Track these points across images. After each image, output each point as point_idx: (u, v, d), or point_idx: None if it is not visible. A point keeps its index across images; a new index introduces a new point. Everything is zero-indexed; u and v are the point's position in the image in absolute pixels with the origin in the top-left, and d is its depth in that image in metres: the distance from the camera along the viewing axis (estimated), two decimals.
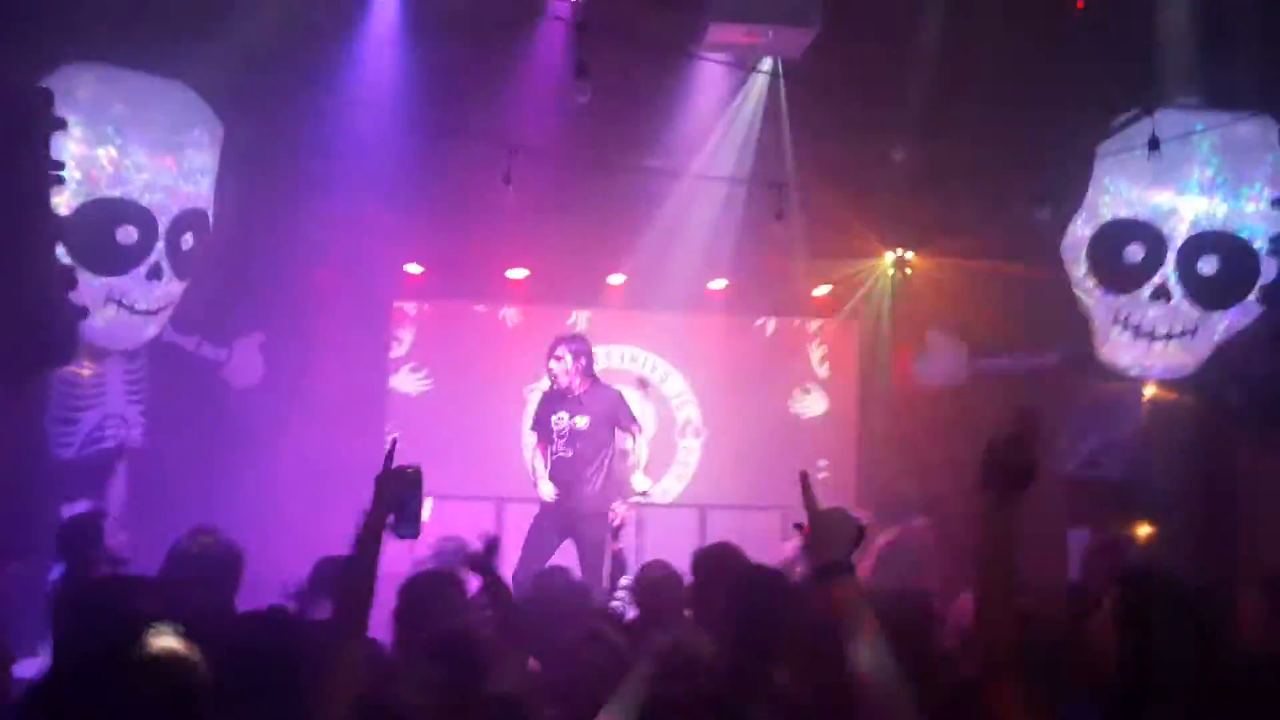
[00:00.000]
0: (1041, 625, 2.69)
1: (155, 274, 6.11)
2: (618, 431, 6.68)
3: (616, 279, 8.34)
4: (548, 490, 6.50)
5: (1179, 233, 6.58)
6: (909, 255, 8.20)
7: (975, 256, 7.56)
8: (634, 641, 3.28)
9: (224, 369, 7.16)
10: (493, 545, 3.76)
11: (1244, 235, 6.57)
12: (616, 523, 5.09)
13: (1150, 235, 6.63)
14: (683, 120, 7.41)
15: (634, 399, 7.23)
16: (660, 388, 8.38)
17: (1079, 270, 6.91)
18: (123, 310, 6.05)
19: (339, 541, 2.76)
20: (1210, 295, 6.60)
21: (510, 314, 8.47)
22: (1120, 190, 6.74)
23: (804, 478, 2.26)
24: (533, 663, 3.51)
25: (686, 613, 3.87)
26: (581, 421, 6.52)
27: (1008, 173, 6.86)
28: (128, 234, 5.97)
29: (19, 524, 5.36)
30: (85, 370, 6.12)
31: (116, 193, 5.91)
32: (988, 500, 2.11)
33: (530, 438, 6.86)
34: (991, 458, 2.12)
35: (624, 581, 4.70)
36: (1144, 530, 6.63)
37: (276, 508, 6.44)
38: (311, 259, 7.52)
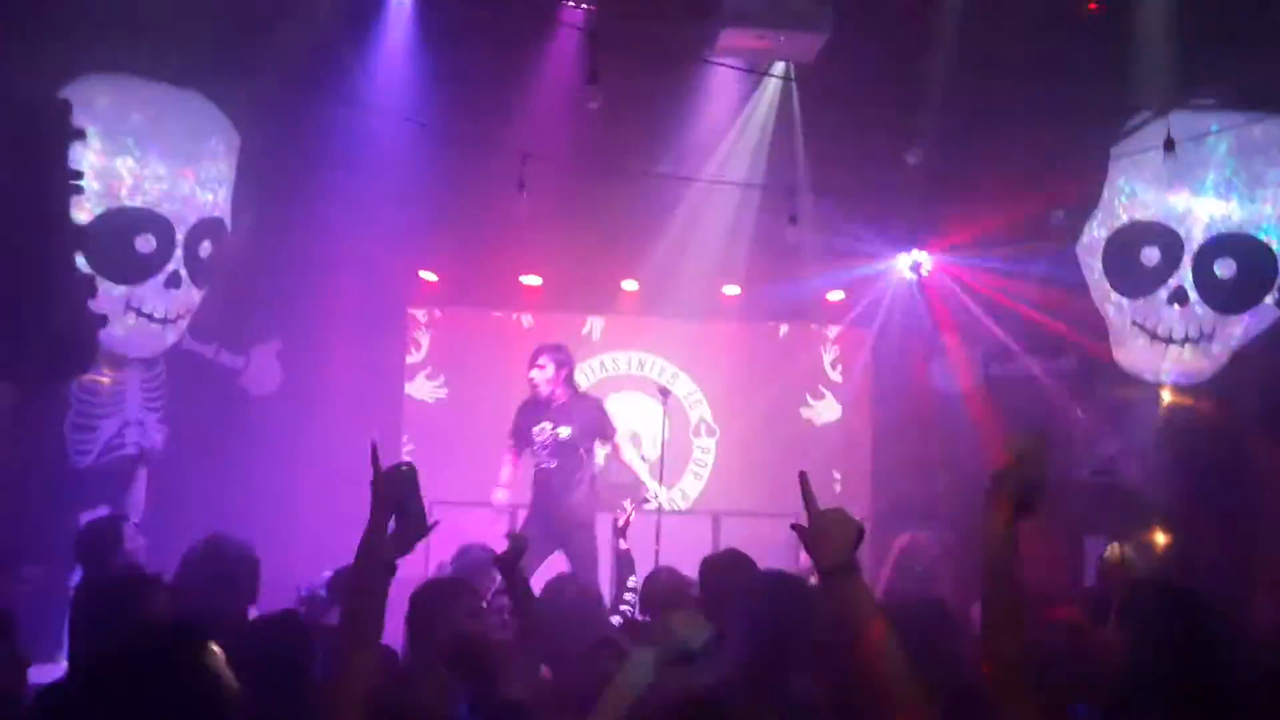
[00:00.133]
0: (1050, 633, 2.69)
1: (173, 282, 6.16)
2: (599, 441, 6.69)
3: (630, 285, 8.36)
4: (502, 496, 6.58)
5: (1195, 235, 6.54)
6: (923, 259, 8.18)
7: (990, 260, 7.53)
8: None
9: (242, 376, 7.21)
10: (519, 545, 3.75)
11: (1261, 237, 6.52)
12: (622, 521, 5.06)
13: (1166, 238, 6.60)
14: (695, 126, 7.41)
15: (654, 408, 7.23)
16: (675, 389, 8.38)
17: (1095, 273, 6.88)
18: (141, 318, 6.10)
19: (356, 548, 2.78)
20: (1227, 298, 6.55)
21: (525, 320, 8.49)
22: (1136, 193, 6.71)
23: (803, 478, 2.25)
24: (545, 670, 3.52)
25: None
26: (565, 431, 6.50)
27: (1022, 176, 6.83)
28: (146, 243, 6.02)
29: (38, 531, 5.41)
30: (104, 378, 6.18)
31: (135, 202, 5.97)
32: (995, 519, 2.10)
33: (509, 463, 6.78)
34: (1000, 478, 2.11)
35: (631, 582, 4.68)
36: (1161, 536, 6.59)
37: (293, 514, 6.48)
38: (327, 267, 7.56)
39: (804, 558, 5.57)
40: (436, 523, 2.57)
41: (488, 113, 6.78)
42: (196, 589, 3.70)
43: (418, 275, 8.19)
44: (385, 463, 2.68)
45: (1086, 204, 6.84)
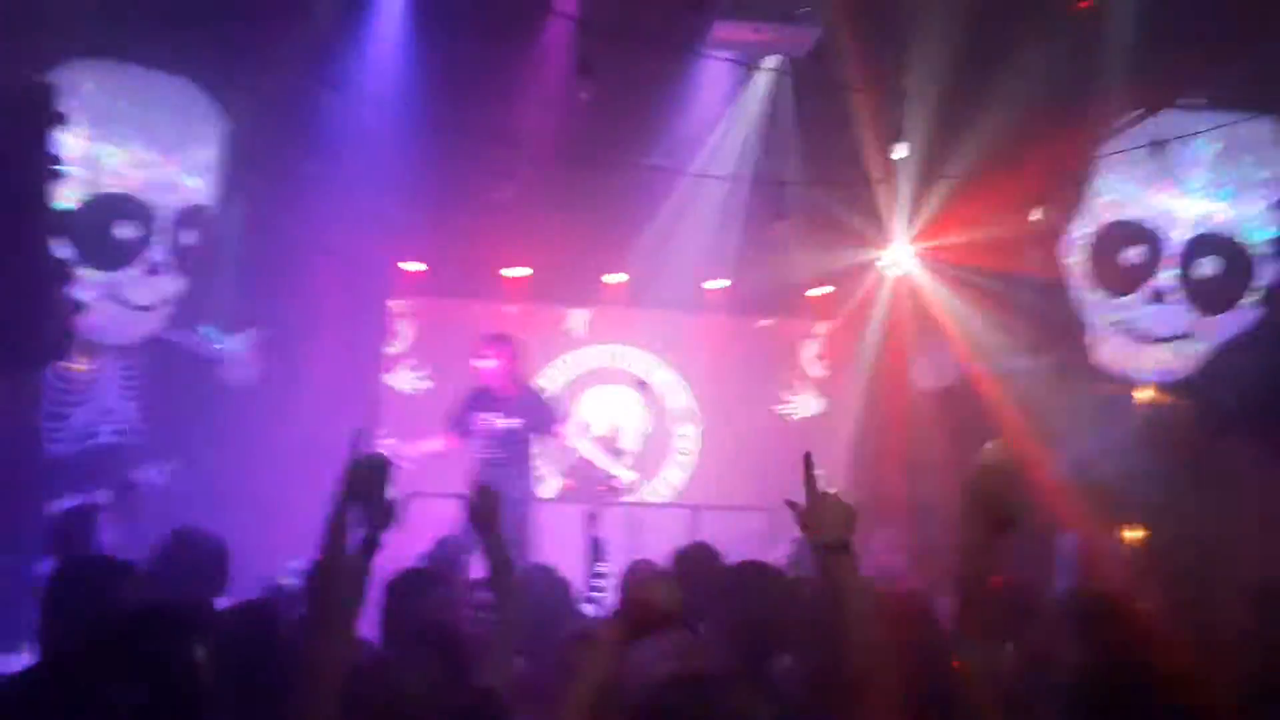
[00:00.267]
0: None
1: (154, 270, 6.13)
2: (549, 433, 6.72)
3: (616, 278, 8.35)
4: (430, 446, 6.61)
5: (1178, 235, 6.56)
6: (908, 256, 8.18)
7: (974, 258, 7.54)
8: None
9: (221, 366, 7.18)
10: (490, 499, 3.39)
11: (1243, 238, 6.55)
12: (595, 509, 5.07)
13: (1149, 237, 6.62)
14: (685, 118, 7.40)
15: (634, 400, 7.23)
16: (653, 381, 8.38)
17: (1077, 271, 6.90)
18: (120, 306, 6.06)
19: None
20: (1208, 298, 6.58)
21: (510, 312, 8.48)
22: (1120, 191, 6.72)
23: (807, 459, 2.28)
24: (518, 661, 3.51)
25: None
26: (510, 423, 6.53)
27: (1008, 173, 6.84)
28: (127, 229, 5.98)
29: (8, 519, 5.37)
30: (80, 366, 6.14)
31: (118, 188, 5.93)
32: (972, 533, 2.12)
33: (442, 441, 6.78)
34: (971, 493, 2.14)
35: (602, 568, 4.68)
36: (1134, 534, 6.63)
37: (271, 504, 6.44)
38: (311, 256, 7.53)
39: (779, 550, 5.61)
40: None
41: (477, 102, 6.75)
42: (166, 579, 3.70)
43: (401, 265, 8.16)
44: (378, 453, 2.67)
45: (1070, 202, 6.85)
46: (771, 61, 7.10)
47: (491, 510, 3.39)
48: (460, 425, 6.68)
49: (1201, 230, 6.55)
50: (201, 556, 3.90)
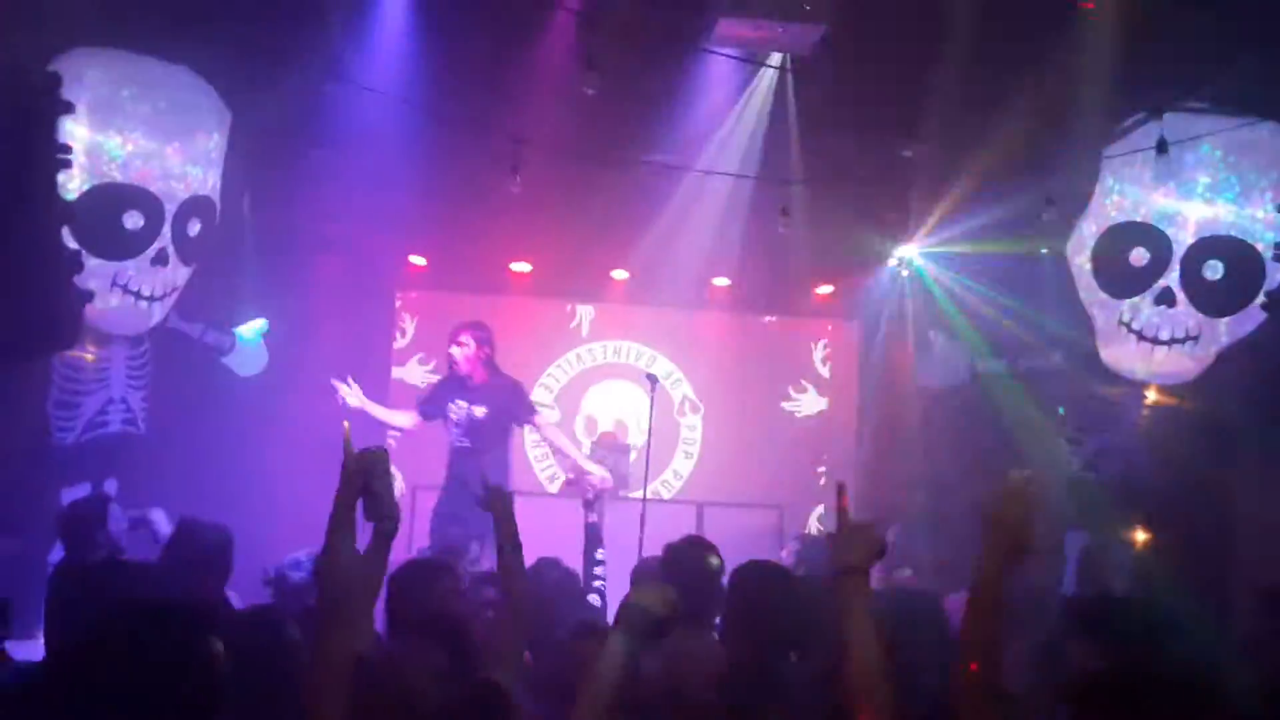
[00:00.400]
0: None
1: (161, 260, 6.12)
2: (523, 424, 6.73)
3: (620, 274, 8.35)
4: (403, 420, 6.62)
5: (1184, 237, 6.56)
6: (913, 255, 8.19)
7: (979, 257, 7.55)
8: None
9: (227, 356, 7.18)
10: (502, 495, 3.46)
11: (1250, 240, 6.55)
12: (591, 494, 5.05)
13: (1156, 239, 6.61)
14: (690, 115, 7.38)
15: (640, 396, 7.21)
16: (660, 377, 8.37)
17: (1083, 273, 6.90)
18: (127, 296, 6.06)
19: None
20: (1215, 301, 6.58)
21: (514, 307, 8.48)
22: (1126, 193, 6.72)
23: (840, 489, 2.38)
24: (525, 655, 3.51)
25: None
26: (480, 411, 6.49)
27: (1014, 174, 6.84)
28: (134, 219, 5.98)
29: (17, 506, 5.38)
30: (88, 355, 6.14)
31: (124, 178, 5.92)
32: (990, 562, 2.15)
33: (409, 417, 6.77)
34: (993, 526, 2.17)
35: (600, 555, 4.67)
36: (1140, 535, 6.63)
37: (278, 496, 6.46)
38: (316, 248, 7.54)
39: (786, 549, 5.62)
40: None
41: (482, 96, 6.74)
42: (173, 569, 3.72)
43: (407, 259, 8.16)
44: (375, 446, 2.68)
45: (1077, 203, 6.85)
46: (776, 58, 7.09)
47: (505, 504, 3.41)
48: (426, 408, 6.67)
49: (1207, 233, 6.54)
50: (207, 546, 3.92)
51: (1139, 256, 6.66)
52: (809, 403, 8.64)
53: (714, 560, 3.63)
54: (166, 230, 6.12)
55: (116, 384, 6.32)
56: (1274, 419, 6.24)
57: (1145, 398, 6.99)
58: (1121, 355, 6.82)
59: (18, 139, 5.19)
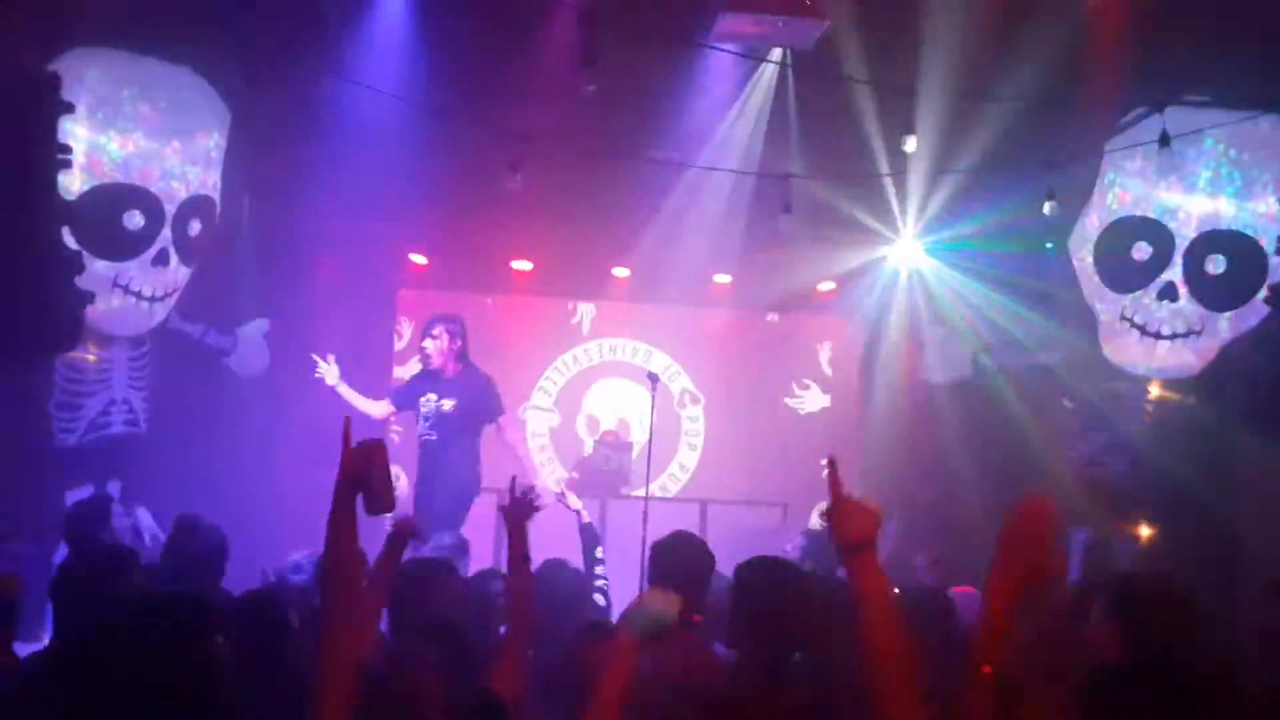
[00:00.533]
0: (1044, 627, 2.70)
1: (162, 260, 6.11)
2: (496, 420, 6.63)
3: (621, 272, 8.34)
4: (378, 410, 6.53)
5: (1187, 231, 6.56)
6: (915, 250, 8.17)
7: (982, 252, 7.54)
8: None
9: (229, 356, 7.17)
10: (524, 501, 3.52)
11: (1252, 235, 6.54)
12: (573, 505, 5.00)
13: (1158, 234, 6.61)
14: (690, 111, 7.37)
15: (641, 394, 7.19)
16: (661, 375, 8.36)
17: (1086, 267, 6.90)
18: (129, 296, 6.05)
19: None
20: (1217, 295, 6.58)
21: (515, 305, 8.47)
22: (1129, 187, 6.72)
23: (831, 462, 2.26)
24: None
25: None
26: (448, 404, 6.45)
27: (1016, 168, 6.83)
28: (134, 219, 5.97)
29: (22, 508, 5.37)
30: (90, 356, 6.13)
31: (124, 178, 5.91)
32: (1006, 583, 2.09)
33: (382, 406, 6.72)
34: (1008, 546, 2.10)
35: (599, 553, 4.65)
36: (1144, 530, 6.63)
37: (278, 495, 6.45)
38: (317, 247, 7.52)
39: (791, 544, 5.60)
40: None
41: (482, 93, 6.73)
42: (170, 566, 3.73)
43: (407, 257, 8.15)
44: (373, 439, 2.67)
45: (1079, 197, 6.84)
46: (777, 53, 7.08)
47: (522, 516, 3.45)
48: (398, 399, 6.65)
49: (1209, 227, 6.54)
50: (203, 545, 3.93)
51: (1141, 251, 6.66)
52: (812, 399, 8.63)
53: (703, 555, 3.61)
54: (167, 230, 6.11)
55: (118, 385, 6.31)
56: (1276, 413, 6.24)
57: (1148, 392, 6.99)
58: (1124, 350, 6.82)
59: (18, 140, 5.18)
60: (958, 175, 7.14)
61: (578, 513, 4.92)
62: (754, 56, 7.07)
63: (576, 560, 4.43)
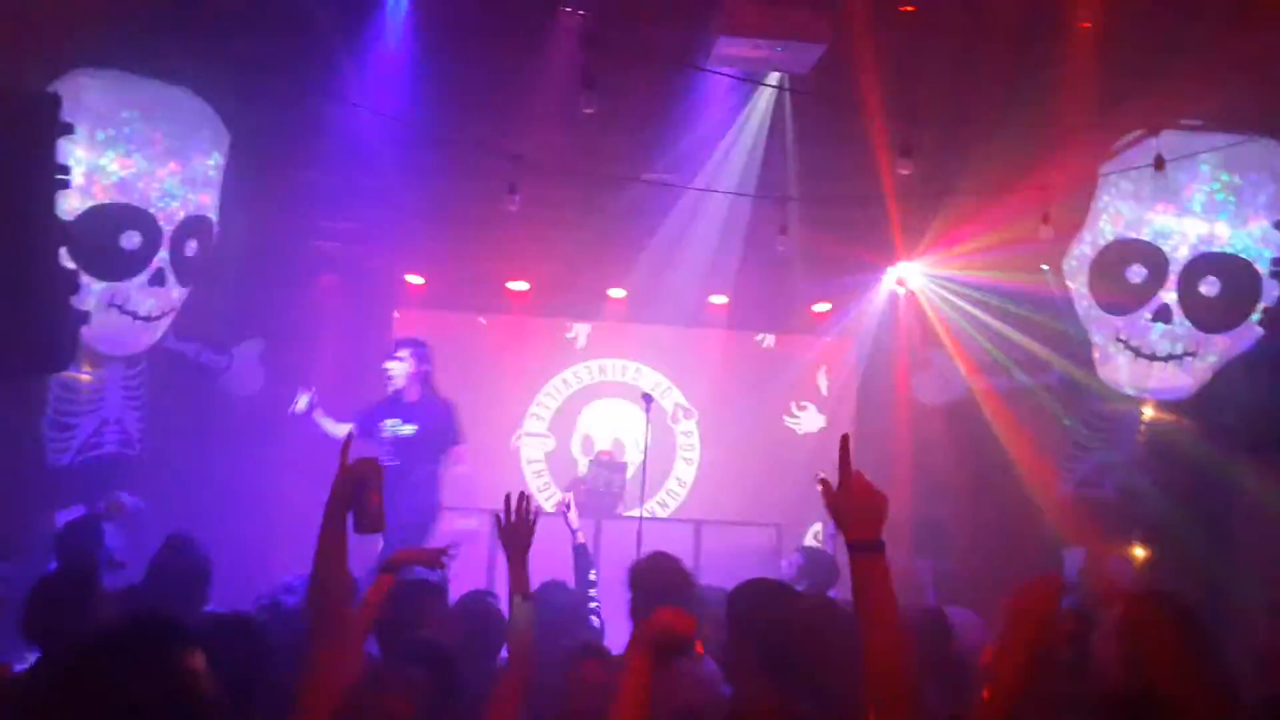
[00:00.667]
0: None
1: (158, 280, 6.12)
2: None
3: (618, 293, 8.35)
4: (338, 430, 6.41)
5: (1181, 254, 6.58)
6: (911, 272, 8.20)
7: (977, 274, 7.56)
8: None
9: (224, 376, 7.17)
10: (522, 525, 3.29)
11: (1246, 257, 6.56)
12: (574, 522, 4.96)
13: (1152, 256, 6.63)
14: (687, 134, 7.41)
15: (636, 414, 7.18)
16: (656, 396, 8.36)
17: (1081, 289, 6.91)
18: (124, 316, 6.05)
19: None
20: (1211, 317, 6.59)
21: (511, 325, 8.49)
22: (1123, 210, 6.74)
23: (844, 440, 2.25)
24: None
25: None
26: (408, 429, 6.40)
27: (1011, 191, 6.86)
28: (131, 240, 5.97)
29: (13, 529, 5.35)
30: (84, 375, 6.12)
31: (122, 198, 5.92)
32: (1003, 665, 2.09)
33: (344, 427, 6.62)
34: (1011, 623, 2.11)
35: (592, 576, 4.62)
36: (1139, 552, 6.62)
37: (275, 516, 6.44)
38: (313, 267, 7.53)
39: (786, 560, 5.58)
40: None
41: (480, 115, 6.76)
42: (154, 586, 3.73)
43: (403, 278, 8.16)
44: (368, 459, 2.67)
45: (1074, 220, 6.87)
46: (774, 77, 7.11)
47: (522, 540, 3.29)
48: (360, 423, 6.55)
49: (1204, 250, 6.56)
50: (185, 565, 3.92)
51: (1136, 273, 6.67)
52: (809, 420, 8.64)
53: (679, 575, 3.59)
54: (164, 251, 6.12)
55: (112, 405, 6.30)
56: (1271, 435, 6.24)
57: (1142, 414, 6.99)
58: (1118, 371, 6.83)
59: (16, 160, 5.18)
60: (953, 198, 7.16)
61: (574, 532, 4.90)
62: (752, 80, 7.11)
63: (568, 581, 4.42)
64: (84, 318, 5.79)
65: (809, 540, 7.84)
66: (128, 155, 5.93)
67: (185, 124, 6.20)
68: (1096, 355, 6.92)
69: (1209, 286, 6.56)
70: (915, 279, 8.18)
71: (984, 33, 6.42)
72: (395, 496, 6.18)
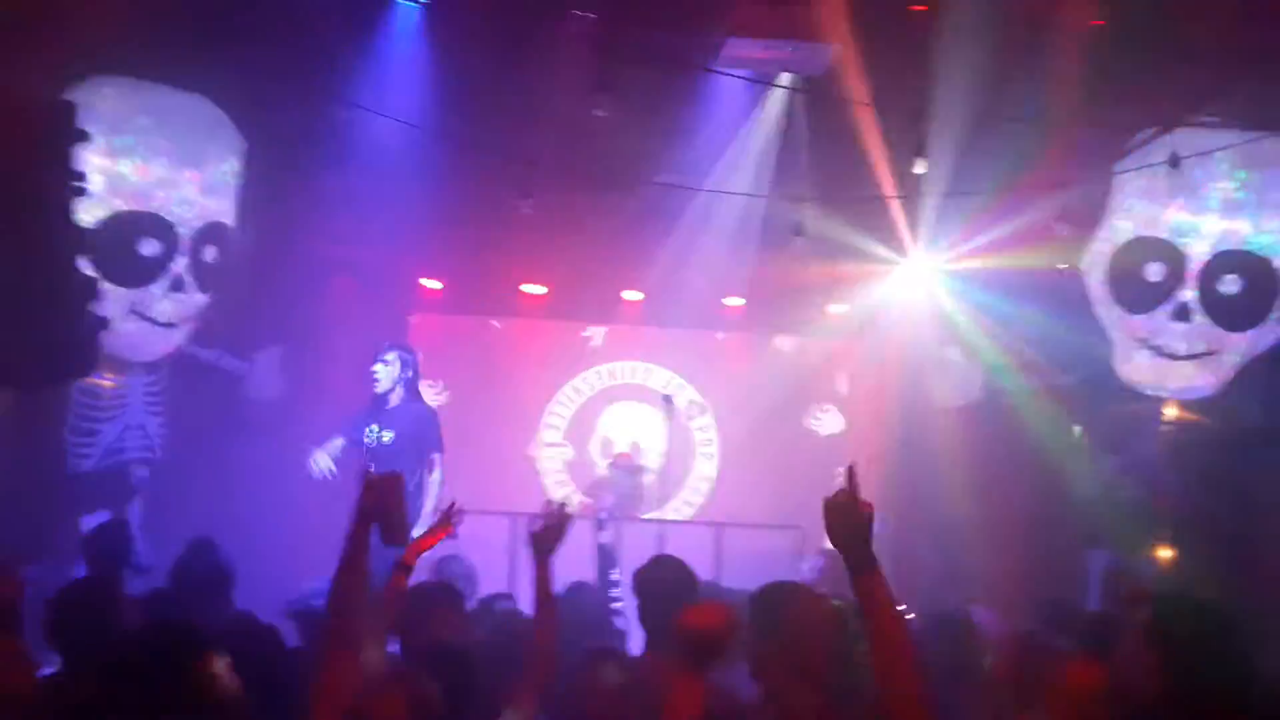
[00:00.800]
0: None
1: (177, 286, 6.15)
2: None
3: (633, 295, 8.35)
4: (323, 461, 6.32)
5: (1200, 252, 6.54)
6: (928, 273, 8.17)
7: (994, 274, 7.53)
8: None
9: (244, 382, 7.19)
10: (551, 530, 3.29)
11: (1266, 255, 6.53)
12: (603, 514, 4.96)
13: (1171, 254, 6.60)
14: (700, 136, 7.41)
15: (654, 417, 7.16)
16: (676, 398, 8.35)
17: (1099, 289, 6.88)
18: (144, 322, 6.09)
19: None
20: (1231, 315, 6.55)
21: (527, 329, 8.50)
22: (1140, 209, 6.71)
23: (851, 470, 2.32)
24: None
25: None
26: (387, 436, 6.34)
27: (1027, 190, 6.83)
28: (150, 246, 6.02)
29: (37, 533, 5.39)
30: (106, 382, 6.16)
31: (140, 205, 5.96)
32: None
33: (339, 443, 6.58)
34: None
35: (614, 575, 4.62)
36: (1163, 552, 6.58)
37: (294, 520, 6.45)
38: (331, 273, 7.56)
39: (808, 564, 5.56)
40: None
41: (494, 119, 6.77)
42: (177, 589, 3.74)
43: (420, 282, 8.18)
44: (392, 472, 2.68)
45: (1091, 219, 6.84)
46: (786, 78, 7.11)
47: (553, 538, 3.30)
48: (346, 431, 6.53)
49: (1223, 247, 6.52)
50: (210, 570, 3.94)
51: (1154, 271, 6.64)
52: (830, 422, 8.62)
53: (684, 576, 3.58)
54: (182, 257, 6.15)
55: (134, 410, 6.33)
56: None
57: (1164, 413, 6.95)
58: (1139, 371, 6.79)
59: (35, 168, 5.22)
60: (969, 197, 7.14)
61: (600, 527, 4.90)
62: (764, 82, 7.10)
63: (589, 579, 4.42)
64: (105, 324, 5.83)
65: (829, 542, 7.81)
66: (145, 162, 5.97)
67: (201, 131, 6.24)
68: (1116, 355, 6.89)
69: (1228, 284, 6.53)
70: (932, 279, 8.14)
71: (996, 31, 6.40)
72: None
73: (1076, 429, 7.05)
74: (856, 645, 2.62)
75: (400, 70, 6.78)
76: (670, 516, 7.82)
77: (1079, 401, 7.19)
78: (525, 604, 3.86)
